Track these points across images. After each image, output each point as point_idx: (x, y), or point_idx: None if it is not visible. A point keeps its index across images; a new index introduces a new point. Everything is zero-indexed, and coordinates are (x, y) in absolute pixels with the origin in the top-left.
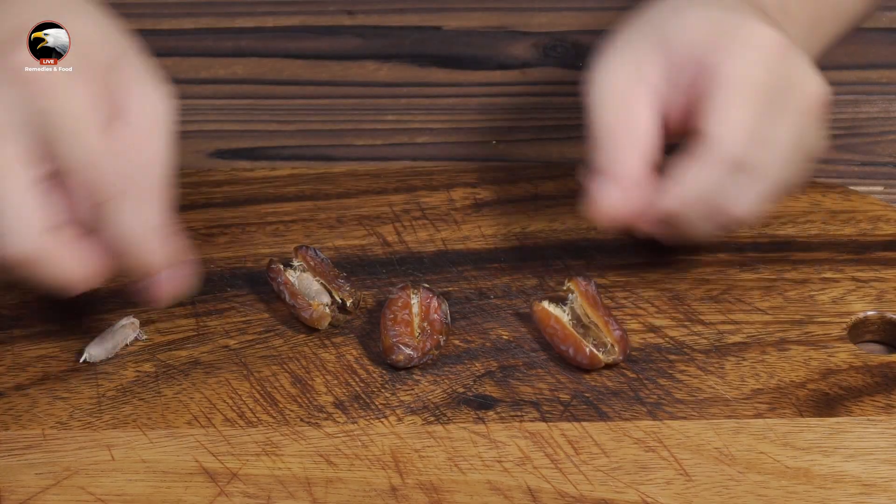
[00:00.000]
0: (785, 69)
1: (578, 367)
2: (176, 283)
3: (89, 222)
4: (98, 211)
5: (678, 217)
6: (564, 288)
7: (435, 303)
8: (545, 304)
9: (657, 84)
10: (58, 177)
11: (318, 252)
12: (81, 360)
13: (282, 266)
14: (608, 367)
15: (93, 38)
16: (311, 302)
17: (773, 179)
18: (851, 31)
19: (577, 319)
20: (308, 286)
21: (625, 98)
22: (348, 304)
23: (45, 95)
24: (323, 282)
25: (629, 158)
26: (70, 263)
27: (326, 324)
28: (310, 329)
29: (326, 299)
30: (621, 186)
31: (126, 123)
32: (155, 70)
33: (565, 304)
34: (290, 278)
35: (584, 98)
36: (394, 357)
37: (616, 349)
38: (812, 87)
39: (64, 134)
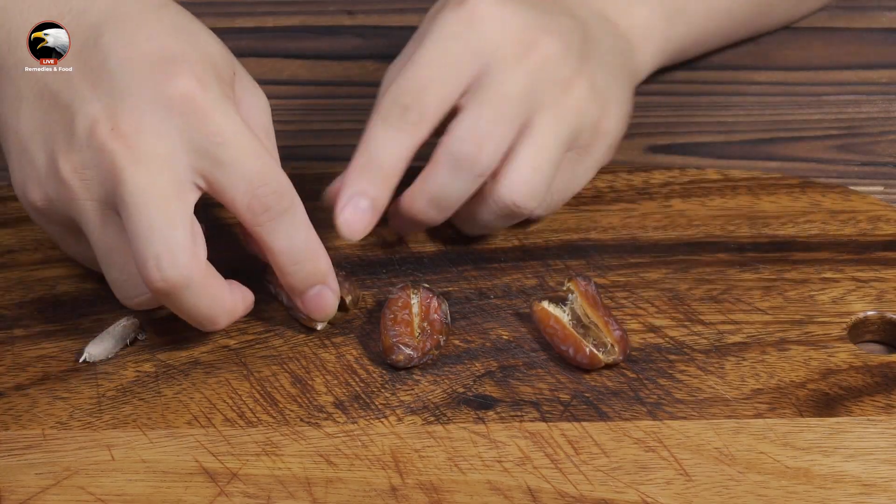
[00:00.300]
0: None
1: (578, 367)
2: (332, 296)
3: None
4: (262, 231)
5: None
6: (564, 288)
7: (435, 303)
8: (545, 304)
9: None
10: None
11: None
12: (81, 360)
13: None
14: (608, 367)
15: (215, 54)
16: None
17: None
18: (763, 29)
19: (577, 320)
20: None
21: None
22: (347, 302)
23: (205, 122)
24: None
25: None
26: (220, 293)
27: (322, 324)
28: (309, 329)
29: None
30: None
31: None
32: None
33: (565, 305)
34: None
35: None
36: (394, 357)
37: (616, 349)
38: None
39: (227, 160)
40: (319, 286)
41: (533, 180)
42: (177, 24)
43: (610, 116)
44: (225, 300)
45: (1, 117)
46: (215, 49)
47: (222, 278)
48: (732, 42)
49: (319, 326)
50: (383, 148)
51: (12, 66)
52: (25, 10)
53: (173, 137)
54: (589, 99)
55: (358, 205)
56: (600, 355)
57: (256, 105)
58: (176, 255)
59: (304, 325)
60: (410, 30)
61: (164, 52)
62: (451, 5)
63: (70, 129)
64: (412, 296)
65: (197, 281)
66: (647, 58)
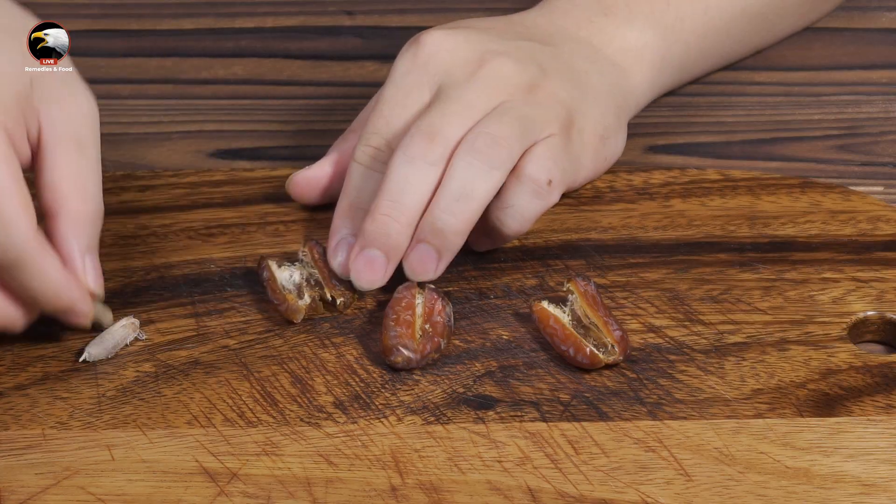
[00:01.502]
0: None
1: (579, 367)
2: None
3: None
4: (3, 273)
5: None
6: (564, 289)
7: (440, 305)
8: (545, 304)
9: None
10: None
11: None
12: (81, 360)
13: (270, 262)
14: (608, 367)
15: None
16: (287, 295)
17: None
18: (770, 39)
19: (577, 320)
20: (293, 280)
21: None
22: (338, 303)
23: None
24: (320, 277)
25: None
26: (5, 310)
27: (300, 317)
28: (310, 329)
29: (307, 295)
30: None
31: (47, 159)
32: (70, 74)
33: (565, 305)
34: (276, 273)
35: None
36: (392, 358)
37: (616, 349)
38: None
39: None
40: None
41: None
42: None
43: (586, 116)
44: (4, 315)
45: None
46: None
47: (2, 294)
48: (733, 60)
49: (298, 318)
50: (366, 189)
51: None
52: None
53: None
54: (553, 96)
55: (372, 257)
56: (600, 355)
57: (65, 113)
58: (15, 225)
59: (293, 322)
60: (410, 30)
61: None
62: (405, 47)
63: None
64: (417, 296)
65: (33, 256)
66: (641, 78)
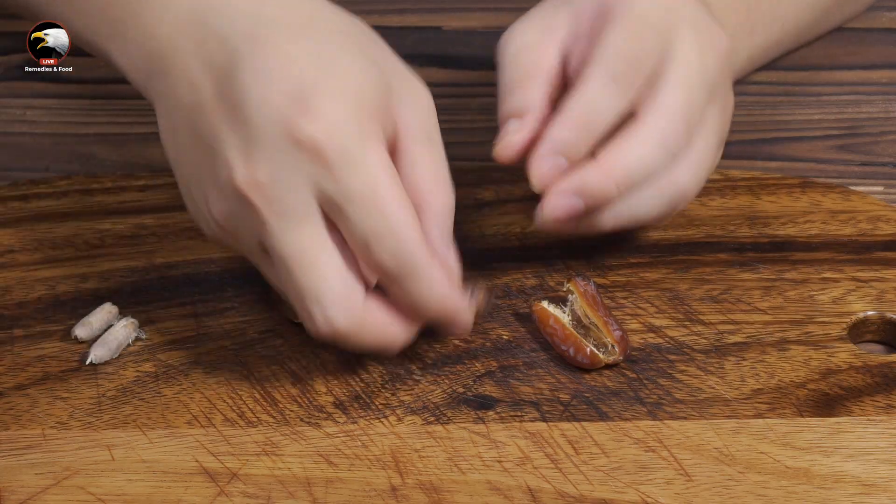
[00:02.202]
0: (716, 63)
1: (579, 367)
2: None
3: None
4: (392, 284)
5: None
6: (564, 289)
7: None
8: (545, 303)
9: (563, 35)
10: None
11: None
12: (87, 362)
13: None
14: (608, 366)
15: (359, 80)
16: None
17: (703, 165)
18: (810, 39)
19: (577, 320)
20: None
21: (531, 48)
22: None
23: (330, 174)
24: None
25: (533, 95)
26: (389, 327)
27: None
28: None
29: None
30: (525, 122)
31: (407, 157)
32: (407, 70)
33: (565, 305)
34: None
35: (495, 57)
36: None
37: (616, 350)
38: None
39: (350, 216)
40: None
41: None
42: (318, 51)
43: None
44: (390, 332)
45: (163, 143)
46: (359, 74)
47: (385, 310)
48: (787, 52)
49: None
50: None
51: (162, 94)
52: (173, 35)
53: (305, 187)
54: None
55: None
56: (601, 355)
57: (414, 109)
58: (328, 311)
59: (293, 322)
60: (410, 30)
61: (298, 87)
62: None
63: (214, 173)
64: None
65: (357, 325)
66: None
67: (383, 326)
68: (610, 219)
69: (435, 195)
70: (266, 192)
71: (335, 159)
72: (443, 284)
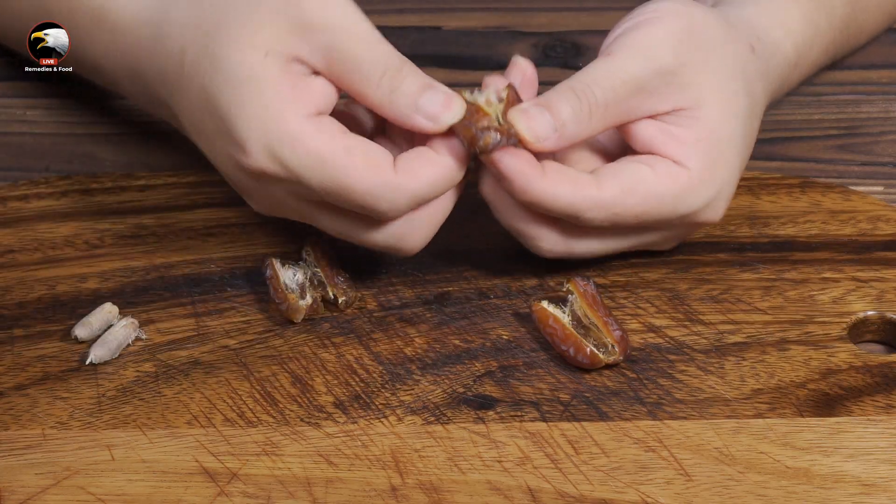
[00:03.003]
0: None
1: (579, 367)
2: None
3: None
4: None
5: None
6: (564, 289)
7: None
8: (544, 304)
9: (662, 111)
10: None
11: (329, 249)
12: (88, 362)
13: (274, 261)
14: (608, 366)
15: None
16: (288, 294)
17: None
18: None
19: (577, 321)
20: (297, 280)
21: (643, 90)
22: (339, 302)
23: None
24: (322, 276)
25: (591, 129)
26: (438, 156)
27: (301, 317)
28: (310, 329)
29: (309, 296)
30: (559, 140)
31: None
32: None
33: (565, 305)
34: (279, 272)
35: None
36: (481, 143)
37: (616, 350)
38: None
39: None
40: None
41: None
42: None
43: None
44: (441, 161)
45: (189, 135)
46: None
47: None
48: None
49: (299, 318)
50: None
51: (186, 83)
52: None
53: (289, 105)
54: None
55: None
56: (601, 355)
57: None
58: (378, 202)
59: (293, 322)
60: (410, 30)
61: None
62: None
63: (229, 153)
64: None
65: (409, 156)
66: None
67: (434, 154)
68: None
69: None
70: (274, 158)
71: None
72: (445, 178)
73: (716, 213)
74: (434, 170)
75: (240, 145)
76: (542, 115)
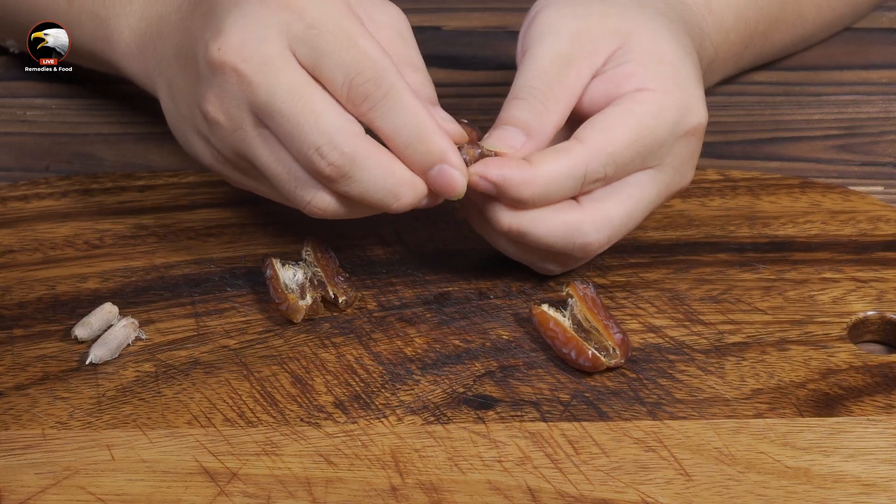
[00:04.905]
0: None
1: (580, 370)
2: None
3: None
4: (366, 119)
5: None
6: (563, 293)
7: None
8: (544, 307)
9: (599, 65)
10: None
11: (329, 249)
12: (88, 362)
13: (274, 261)
14: (609, 369)
15: None
16: (288, 294)
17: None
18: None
19: (577, 325)
20: (297, 280)
21: (571, 60)
22: (340, 302)
23: (300, 14)
24: (322, 276)
25: (552, 121)
26: (391, 162)
27: (300, 317)
28: (310, 329)
29: (309, 296)
30: (529, 144)
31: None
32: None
33: (565, 308)
34: (279, 272)
35: (525, 30)
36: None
37: (618, 353)
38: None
39: (324, 50)
40: (438, 166)
41: None
42: None
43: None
44: (396, 170)
45: (163, 107)
46: None
47: (388, 150)
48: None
49: (298, 318)
50: None
51: (158, 48)
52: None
53: (277, 37)
54: None
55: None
56: (603, 358)
57: (382, 13)
58: (333, 139)
59: (293, 322)
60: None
61: None
62: None
63: (197, 72)
64: None
65: (362, 153)
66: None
67: (389, 161)
68: (507, 217)
69: (403, 73)
70: (241, 52)
71: (302, 1)
72: (420, 114)
73: (700, 112)
74: (392, 168)
75: (217, 29)
76: (507, 129)
